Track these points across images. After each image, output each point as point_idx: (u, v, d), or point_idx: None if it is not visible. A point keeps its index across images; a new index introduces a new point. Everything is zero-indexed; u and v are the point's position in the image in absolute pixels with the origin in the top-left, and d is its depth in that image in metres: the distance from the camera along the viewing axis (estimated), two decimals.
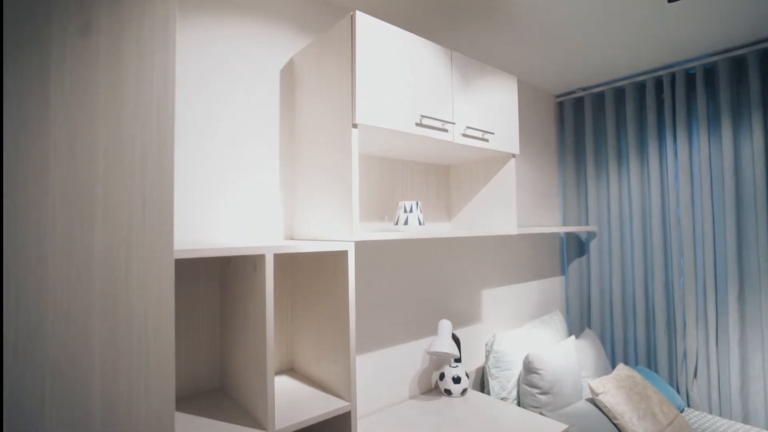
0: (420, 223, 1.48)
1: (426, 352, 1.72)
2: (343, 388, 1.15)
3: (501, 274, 2.30)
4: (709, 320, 2.15)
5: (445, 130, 1.43)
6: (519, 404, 1.87)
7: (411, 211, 1.48)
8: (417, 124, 1.33)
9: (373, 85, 1.21)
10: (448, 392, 1.78)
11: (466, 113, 1.51)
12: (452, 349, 1.67)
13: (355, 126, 1.18)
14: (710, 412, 2.18)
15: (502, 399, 1.86)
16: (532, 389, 1.77)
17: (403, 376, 1.78)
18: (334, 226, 1.24)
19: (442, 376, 1.81)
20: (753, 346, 2.04)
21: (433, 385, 1.89)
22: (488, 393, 1.92)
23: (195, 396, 1.21)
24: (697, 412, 2.12)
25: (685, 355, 2.27)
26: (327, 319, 1.22)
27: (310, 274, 1.30)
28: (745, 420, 2.07)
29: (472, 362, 2.09)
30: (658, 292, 2.33)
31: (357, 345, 1.63)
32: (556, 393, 1.77)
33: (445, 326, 1.73)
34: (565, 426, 1.52)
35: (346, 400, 1.14)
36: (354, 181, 1.17)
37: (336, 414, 1.10)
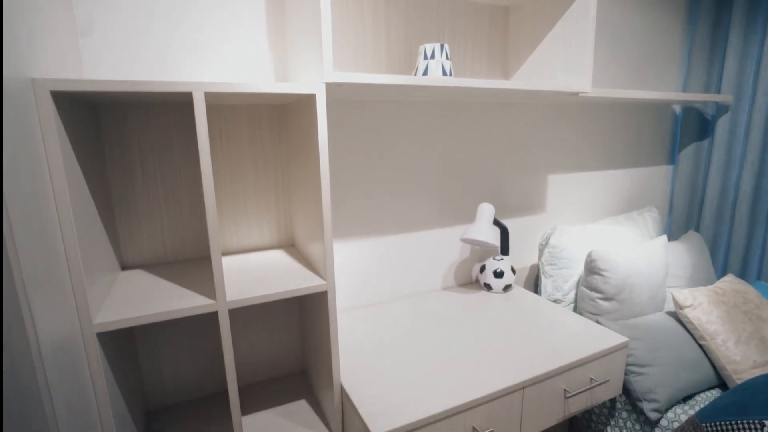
0: (445, 74, 1.12)
1: (460, 239, 1.46)
2: (321, 267, 0.97)
3: (579, 156, 1.84)
4: None
5: None
6: (575, 309, 1.57)
7: (432, 57, 1.11)
8: None
9: None
10: (488, 287, 1.54)
11: None
12: (490, 237, 1.38)
13: None
14: None
15: (554, 301, 1.57)
16: (592, 293, 1.44)
17: (437, 264, 1.57)
18: (308, 67, 0.96)
19: (482, 269, 1.56)
20: None
21: (474, 279, 1.66)
22: (539, 294, 1.63)
23: (182, 262, 1.14)
24: None
25: None
26: (312, 189, 1.01)
27: (301, 137, 1.07)
28: None
29: (525, 259, 1.78)
30: None
31: (380, 226, 1.43)
32: (623, 300, 1.42)
33: (485, 211, 1.43)
34: (624, 339, 1.20)
35: (323, 279, 0.96)
36: (323, 2, 0.85)
37: (310, 292, 0.94)
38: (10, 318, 0.52)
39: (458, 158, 1.52)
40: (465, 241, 1.45)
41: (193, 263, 1.12)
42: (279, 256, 1.16)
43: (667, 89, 2.06)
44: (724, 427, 1.01)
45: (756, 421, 0.96)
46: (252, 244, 1.23)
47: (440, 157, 1.49)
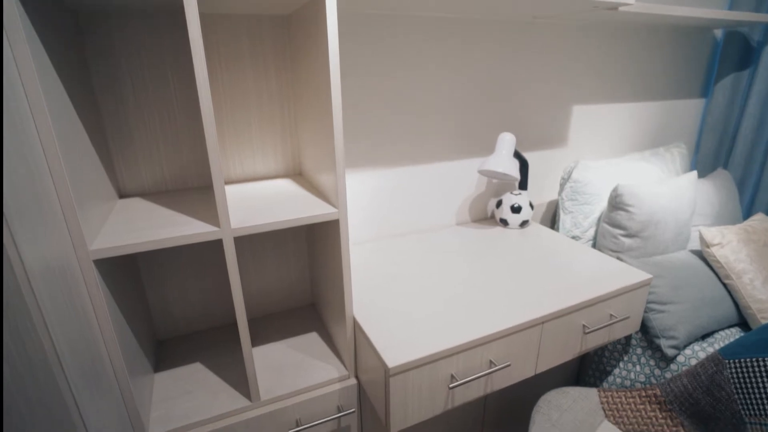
0: None
1: (477, 171, 1.38)
2: (333, 195, 0.90)
3: (604, 85, 1.69)
4: None
5: None
6: (595, 246, 1.51)
7: None
8: None
9: None
10: (504, 222, 1.47)
11: None
12: (510, 168, 1.29)
13: None
14: None
15: (572, 238, 1.51)
16: (615, 229, 1.38)
17: (451, 199, 1.49)
18: None
19: (499, 204, 1.48)
20: None
21: (489, 214, 1.59)
22: (557, 231, 1.57)
23: (183, 191, 1.07)
24: None
25: None
26: (322, 114, 0.91)
27: (309, 56, 0.95)
28: None
29: (545, 193, 1.70)
30: None
31: (393, 156, 1.34)
32: (646, 238, 1.35)
33: (506, 140, 1.33)
34: (648, 276, 1.15)
35: (334, 207, 0.89)
36: None
37: (321, 220, 0.88)
38: None
39: (477, 84, 1.39)
40: (483, 173, 1.37)
41: (195, 192, 1.05)
42: (286, 185, 1.09)
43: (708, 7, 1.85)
44: (750, 364, 0.98)
45: None
46: (257, 173, 1.15)
47: (458, 83, 1.36)
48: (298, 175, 1.19)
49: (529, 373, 1.03)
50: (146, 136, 1.01)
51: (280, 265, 1.24)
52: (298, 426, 0.99)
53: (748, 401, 0.96)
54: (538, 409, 1.11)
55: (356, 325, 0.98)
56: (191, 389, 0.99)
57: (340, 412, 1.02)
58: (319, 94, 0.89)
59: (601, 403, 1.15)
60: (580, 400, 1.15)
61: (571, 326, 1.05)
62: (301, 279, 1.28)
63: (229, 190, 1.06)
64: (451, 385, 0.88)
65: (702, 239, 1.31)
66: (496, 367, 0.93)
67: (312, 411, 1.00)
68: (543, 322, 1.00)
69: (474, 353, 0.92)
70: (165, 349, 1.13)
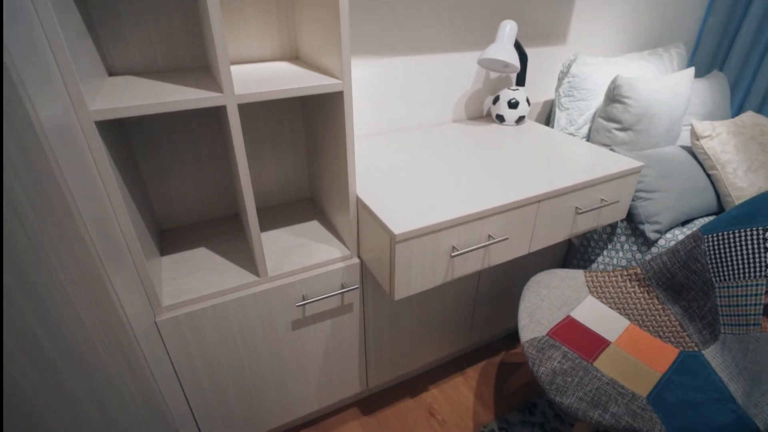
0: None
1: (477, 62, 1.34)
2: (338, 70, 0.87)
3: None
4: None
5: None
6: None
7: None
8: None
9: None
10: (500, 118, 1.47)
11: None
12: (511, 57, 1.26)
13: None
14: None
15: (568, 134, 1.52)
16: (610, 123, 1.39)
17: (448, 94, 1.47)
18: None
19: (496, 100, 1.47)
20: None
21: (485, 112, 1.58)
22: (552, 128, 1.58)
23: (176, 71, 1.02)
24: None
25: None
26: None
27: None
28: None
29: (540, 92, 1.68)
30: None
31: (389, 44, 1.29)
32: (640, 131, 1.38)
33: (508, 28, 1.28)
34: (638, 164, 1.19)
35: (339, 79, 0.87)
36: None
37: (325, 91, 0.86)
38: (10, 104, 0.44)
39: None
40: (482, 62, 1.33)
41: (190, 72, 1.01)
42: (286, 66, 1.05)
43: None
44: (726, 237, 1.05)
45: (760, 228, 1.00)
46: (252, 56, 1.10)
47: None
48: (295, 58, 1.14)
49: (523, 250, 1.09)
50: (133, 9, 0.94)
51: (277, 157, 1.23)
52: (304, 300, 1.05)
53: (719, 269, 1.04)
54: (528, 287, 1.19)
55: (360, 203, 1.00)
56: (199, 270, 1.02)
57: (343, 288, 1.08)
58: None
59: (587, 281, 1.24)
60: (568, 279, 1.23)
61: (565, 207, 1.10)
62: (299, 173, 1.28)
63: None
64: (452, 254, 0.93)
65: (693, 132, 1.34)
66: (494, 240, 0.98)
67: (317, 287, 1.05)
68: (539, 201, 1.04)
69: (474, 226, 0.96)
70: (168, 237, 1.15)
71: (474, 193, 1.01)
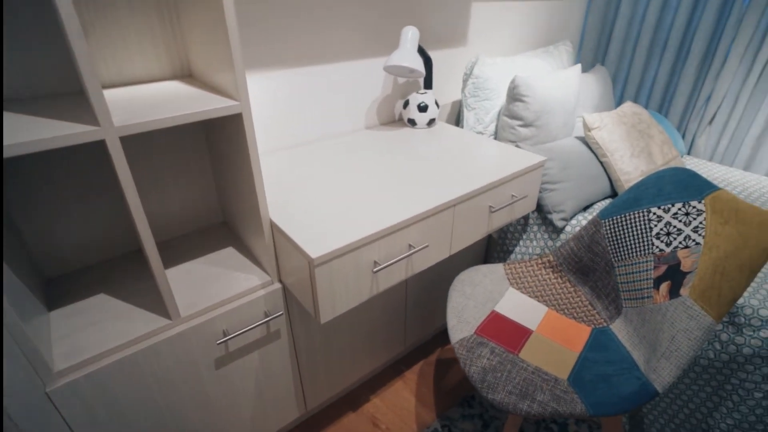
0: None
1: (383, 69, 1.34)
2: (233, 89, 0.81)
3: None
4: (763, 49, 1.68)
5: None
6: (496, 139, 1.61)
7: None
8: None
9: None
10: (412, 122, 1.49)
11: None
12: (416, 63, 1.27)
13: None
14: (710, 160, 1.97)
15: (477, 133, 1.58)
16: (513, 120, 1.47)
17: (359, 101, 1.45)
18: None
19: (406, 104, 1.48)
20: None
21: (397, 117, 1.60)
22: (461, 128, 1.64)
23: (40, 97, 0.89)
24: (696, 159, 1.89)
25: (708, 99, 1.89)
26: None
27: None
28: (746, 168, 1.87)
29: (447, 93, 1.73)
30: (708, 17, 1.78)
31: (294, 54, 1.24)
32: (540, 126, 1.47)
33: (410, 34, 1.30)
34: (542, 158, 1.27)
35: (236, 100, 0.81)
36: None
37: (221, 114, 0.80)
38: None
39: None
40: (389, 69, 1.34)
41: (59, 98, 0.88)
42: (177, 86, 0.96)
43: None
44: (619, 220, 1.15)
45: (644, 210, 1.11)
46: (137, 77, 0.99)
47: None
48: (188, 77, 1.05)
49: (444, 254, 1.12)
50: None
51: (182, 183, 1.13)
52: (225, 336, 0.98)
53: (617, 250, 1.15)
54: (454, 286, 1.22)
55: (274, 227, 0.95)
56: (98, 320, 0.91)
57: (267, 317, 1.03)
58: None
59: (506, 274, 1.30)
60: (489, 274, 1.28)
61: (480, 207, 1.14)
62: (208, 196, 1.19)
63: (106, 94, 0.91)
64: (374, 269, 0.92)
65: (585, 124, 1.46)
66: (415, 249, 0.98)
67: (239, 320, 0.99)
68: (455, 205, 1.06)
69: (393, 238, 0.96)
70: (57, 286, 1.01)
71: (391, 204, 1.01)
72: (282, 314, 1.05)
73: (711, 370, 1.09)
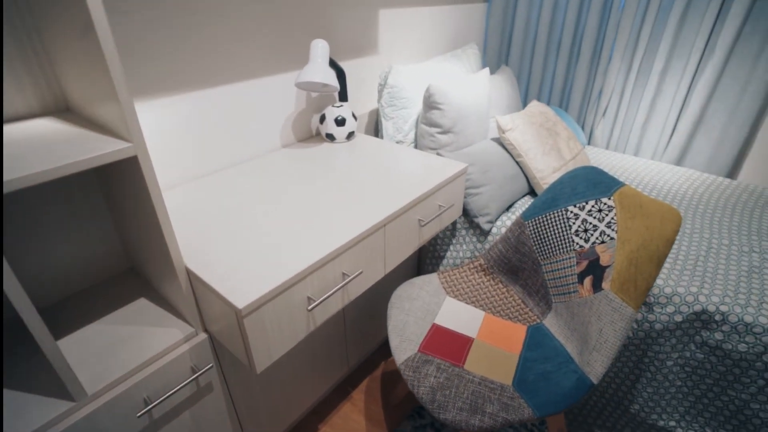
0: None
1: (295, 85, 1.27)
2: (123, 126, 0.70)
3: None
4: (638, 48, 1.87)
5: None
6: (416, 147, 1.62)
7: None
8: None
9: None
10: (331, 137, 1.44)
11: None
12: (329, 78, 1.22)
13: None
14: (607, 148, 2.16)
15: (397, 142, 1.57)
16: (431, 128, 1.48)
17: (272, 119, 1.37)
18: None
19: (322, 119, 1.43)
20: (672, 75, 1.84)
21: (314, 132, 1.53)
22: (381, 138, 1.62)
23: None
24: (596, 149, 2.07)
25: (600, 93, 2.07)
26: (79, 21, 0.66)
27: None
28: (636, 154, 2.08)
29: (364, 104, 1.71)
30: (592, 19, 1.94)
31: (195, 76, 1.12)
32: (458, 132, 1.50)
33: (319, 48, 1.24)
34: (463, 165, 1.29)
35: (128, 141, 0.71)
36: None
37: (111, 159, 0.69)
38: None
39: None
40: (300, 85, 1.27)
41: None
42: (51, 125, 0.82)
43: None
44: (541, 220, 1.20)
45: (562, 209, 1.17)
46: None
47: None
48: (64, 111, 0.90)
49: (379, 275, 1.09)
50: None
51: (73, 231, 0.97)
52: (147, 404, 0.86)
53: (542, 248, 1.20)
54: (392, 304, 1.20)
55: (191, 274, 0.85)
56: None
57: (195, 372, 0.92)
58: None
59: (441, 283, 1.30)
60: (425, 285, 1.28)
61: (410, 222, 1.12)
62: (109, 243, 1.04)
63: None
64: (309, 307, 0.86)
65: (498, 126, 1.52)
66: (350, 277, 0.94)
67: (162, 383, 0.87)
68: (385, 225, 1.03)
69: (326, 270, 0.90)
70: None
71: (320, 233, 0.95)
72: (212, 366, 0.95)
73: (631, 347, 1.19)
